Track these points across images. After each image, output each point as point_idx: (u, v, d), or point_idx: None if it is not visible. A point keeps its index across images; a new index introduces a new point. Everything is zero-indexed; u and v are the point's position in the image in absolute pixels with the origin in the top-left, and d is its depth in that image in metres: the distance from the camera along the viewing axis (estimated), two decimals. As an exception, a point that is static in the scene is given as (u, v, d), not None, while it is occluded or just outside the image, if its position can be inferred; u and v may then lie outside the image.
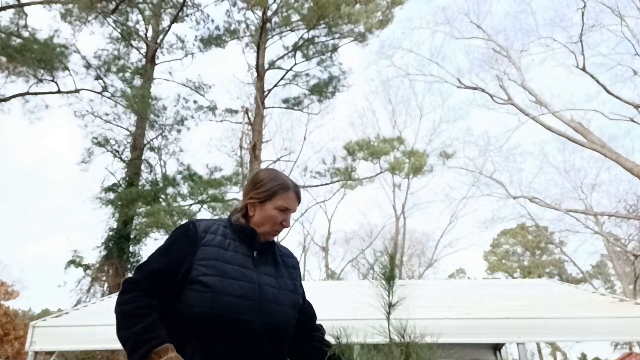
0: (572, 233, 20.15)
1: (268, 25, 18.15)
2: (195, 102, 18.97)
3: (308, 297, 1.78)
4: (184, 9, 18.81)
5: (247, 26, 19.10)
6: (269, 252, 1.66)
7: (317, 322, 1.78)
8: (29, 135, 43.48)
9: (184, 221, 1.84)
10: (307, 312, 1.73)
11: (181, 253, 1.51)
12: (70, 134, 44.84)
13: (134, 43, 18.82)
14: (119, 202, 15.35)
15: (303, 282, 1.79)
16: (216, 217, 1.85)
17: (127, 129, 17.20)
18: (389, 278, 1.47)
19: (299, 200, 1.68)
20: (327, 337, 1.61)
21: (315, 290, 4.06)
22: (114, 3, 17.10)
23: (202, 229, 1.57)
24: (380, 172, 20.65)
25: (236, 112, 19.06)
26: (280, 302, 1.54)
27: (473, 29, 17.92)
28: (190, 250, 1.51)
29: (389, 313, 1.45)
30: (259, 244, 1.62)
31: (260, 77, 17.74)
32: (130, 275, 1.64)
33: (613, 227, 20.99)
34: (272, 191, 1.62)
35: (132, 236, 15.22)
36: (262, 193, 1.62)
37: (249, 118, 16.96)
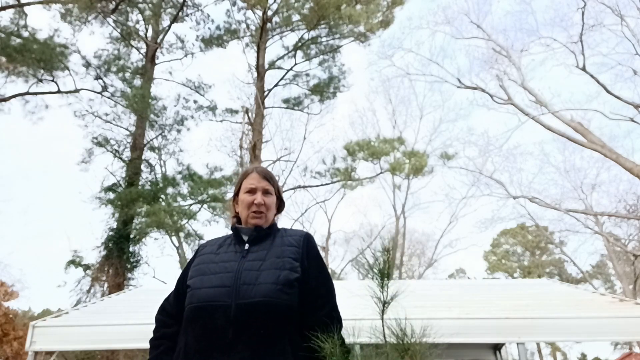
0: (572, 233, 20.18)
1: (268, 25, 18.12)
2: (195, 102, 18.96)
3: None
4: (184, 8, 18.79)
5: (248, 26, 19.08)
6: (266, 239, 1.75)
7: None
8: (29, 135, 43.45)
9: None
10: (312, 293, 1.65)
11: (187, 267, 1.79)
12: (70, 134, 44.80)
13: (134, 43, 18.78)
14: (119, 202, 15.32)
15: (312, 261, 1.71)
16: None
17: (127, 129, 17.16)
18: (385, 275, 1.42)
19: (264, 177, 1.83)
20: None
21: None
22: (114, 3, 17.08)
23: (203, 244, 1.85)
24: (381, 173, 20.61)
25: (236, 112, 19.04)
26: (259, 282, 1.58)
27: (473, 29, 17.92)
28: (192, 262, 1.80)
29: (383, 312, 1.42)
30: (249, 235, 1.76)
31: (260, 77, 17.71)
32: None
33: (613, 227, 20.99)
34: (239, 182, 1.87)
35: (132, 236, 15.19)
36: (235, 189, 1.88)
37: (249, 118, 16.95)
